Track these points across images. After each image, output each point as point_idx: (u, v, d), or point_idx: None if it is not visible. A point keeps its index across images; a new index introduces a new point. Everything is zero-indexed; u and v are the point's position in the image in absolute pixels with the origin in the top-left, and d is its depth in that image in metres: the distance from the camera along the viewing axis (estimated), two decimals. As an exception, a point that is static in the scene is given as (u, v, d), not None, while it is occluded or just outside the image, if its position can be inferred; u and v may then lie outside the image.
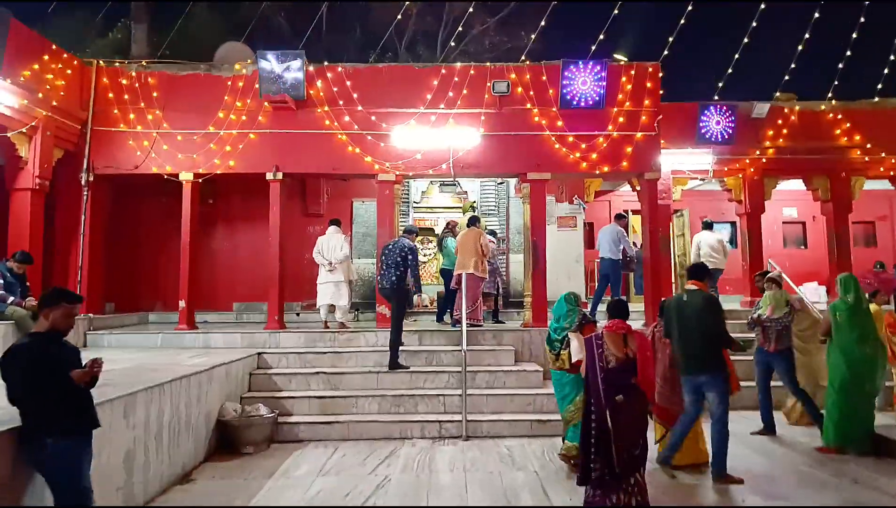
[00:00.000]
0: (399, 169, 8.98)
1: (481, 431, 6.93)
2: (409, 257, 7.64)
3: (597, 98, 8.87)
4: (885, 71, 10.67)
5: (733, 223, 14.47)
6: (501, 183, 11.45)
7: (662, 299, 6.18)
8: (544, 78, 9.01)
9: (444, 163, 8.93)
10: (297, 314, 10.57)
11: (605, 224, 14.11)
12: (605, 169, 8.93)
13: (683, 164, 10.70)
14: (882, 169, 10.67)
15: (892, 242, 13.91)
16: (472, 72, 9.01)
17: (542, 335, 8.35)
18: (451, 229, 9.77)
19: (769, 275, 7.14)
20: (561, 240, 10.93)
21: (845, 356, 5.93)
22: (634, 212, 13.93)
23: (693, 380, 5.21)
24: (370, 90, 9.03)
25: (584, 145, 8.91)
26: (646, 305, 8.99)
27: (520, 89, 9.00)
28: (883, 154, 10.51)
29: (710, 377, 5.10)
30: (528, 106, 8.98)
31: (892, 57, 10.52)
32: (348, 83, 9.02)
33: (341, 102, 9.00)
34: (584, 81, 8.86)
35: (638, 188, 10.68)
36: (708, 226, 10.79)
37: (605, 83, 8.82)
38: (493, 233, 10.34)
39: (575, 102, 8.90)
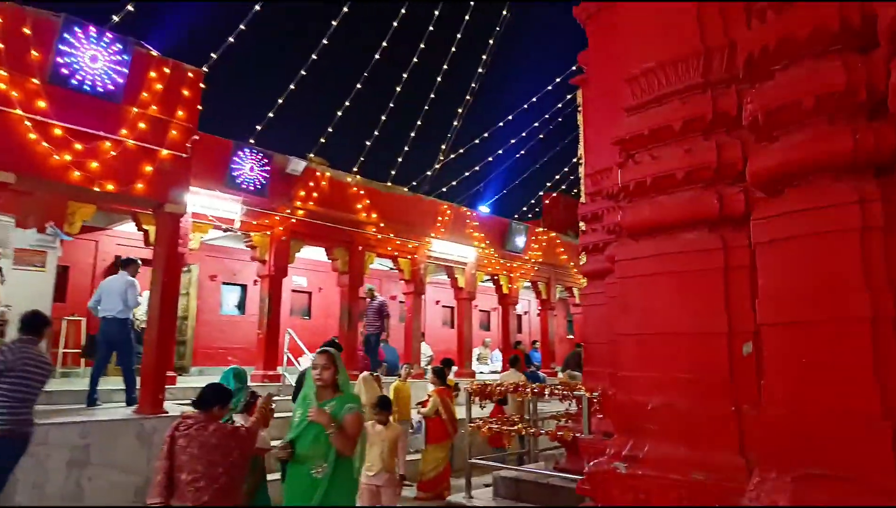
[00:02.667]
0: None
1: None
2: None
3: (112, 87, 6.23)
4: (399, 159, 11.68)
5: (244, 286, 13.28)
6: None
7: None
8: (28, 31, 5.83)
9: None
10: None
11: (89, 269, 10.77)
12: (110, 187, 6.23)
13: (208, 208, 8.87)
14: (389, 248, 11.38)
15: (377, 318, 15.28)
16: None
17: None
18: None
19: None
20: (20, 284, 7.23)
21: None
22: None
23: None
24: None
25: (80, 146, 6.04)
26: (144, 382, 6.43)
27: (-23, 31, 5.53)
28: (391, 235, 11.24)
29: None
30: (-9, 62, 5.59)
31: (406, 148, 11.60)
32: None
33: None
34: (94, 57, 6.12)
35: (147, 227, 8.23)
36: (126, 265, 7.41)
37: (127, 70, 6.30)
38: None
39: (76, 82, 6.02)
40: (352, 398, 3.73)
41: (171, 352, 7.94)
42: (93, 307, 7.13)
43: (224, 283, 12.92)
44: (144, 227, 8.33)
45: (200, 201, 8.67)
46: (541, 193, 20.62)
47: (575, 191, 26.29)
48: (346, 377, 3.73)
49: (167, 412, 6.24)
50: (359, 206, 10.81)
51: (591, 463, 3.38)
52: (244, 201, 9.14)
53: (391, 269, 14.42)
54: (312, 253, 12.07)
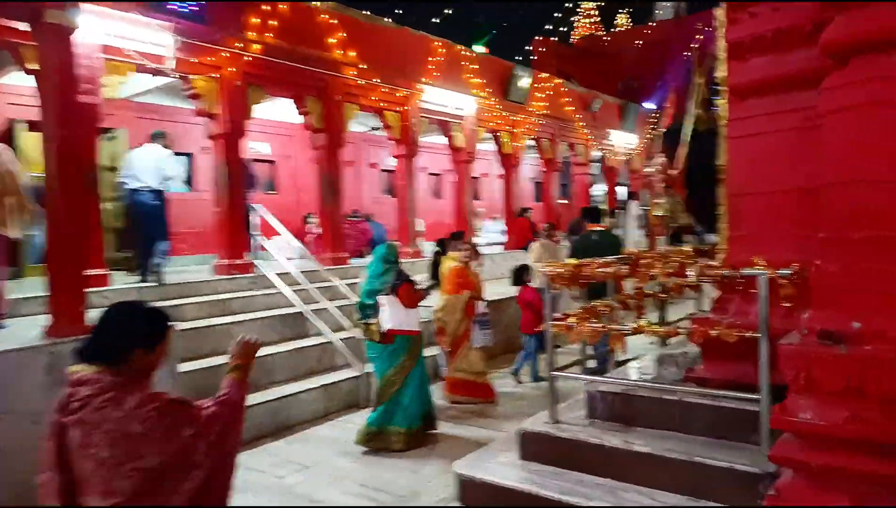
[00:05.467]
0: None
1: None
2: None
3: None
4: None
5: (189, 155, 10.75)
6: None
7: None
8: None
9: None
10: None
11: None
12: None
13: (127, 38, 6.28)
14: (373, 98, 8.96)
15: (359, 189, 13.09)
16: None
17: None
18: None
19: None
20: None
21: None
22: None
23: None
24: None
25: None
26: (54, 290, 4.30)
27: None
28: (376, 80, 8.79)
29: None
30: None
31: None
32: None
33: None
34: None
35: (35, 66, 5.67)
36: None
37: None
38: None
39: None
40: None
41: (85, 243, 5.76)
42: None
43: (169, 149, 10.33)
44: (31, 66, 5.76)
45: (114, 27, 6.12)
46: (530, 41, 17.93)
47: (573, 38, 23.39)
48: None
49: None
50: (332, 40, 8.22)
51: None
52: (177, 30, 6.54)
53: (372, 130, 12.06)
54: (275, 112, 9.62)
